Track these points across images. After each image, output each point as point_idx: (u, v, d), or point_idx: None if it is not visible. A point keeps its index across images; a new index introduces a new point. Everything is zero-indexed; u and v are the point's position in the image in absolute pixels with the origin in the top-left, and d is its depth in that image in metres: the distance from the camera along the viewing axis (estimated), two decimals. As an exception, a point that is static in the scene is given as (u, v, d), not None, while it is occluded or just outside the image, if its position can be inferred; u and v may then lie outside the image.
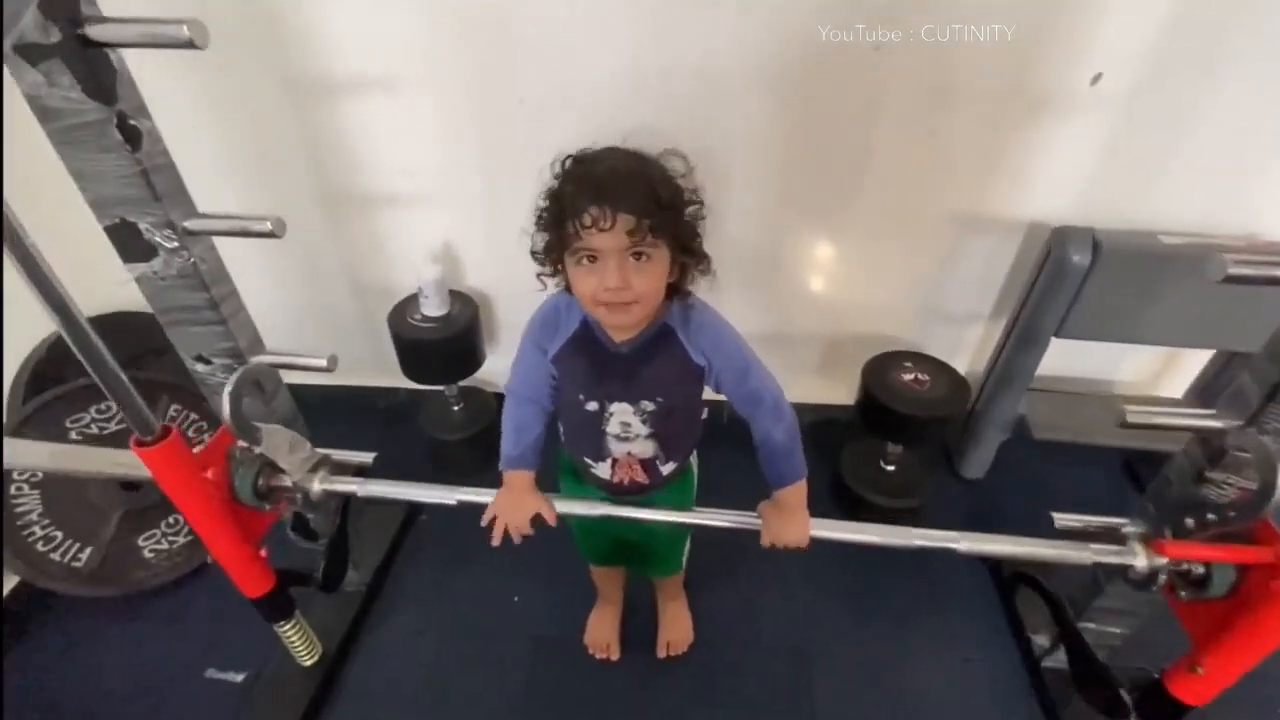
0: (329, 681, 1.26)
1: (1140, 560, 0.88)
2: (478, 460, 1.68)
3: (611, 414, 0.88)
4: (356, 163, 1.41)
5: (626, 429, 0.89)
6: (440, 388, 1.69)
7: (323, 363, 0.96)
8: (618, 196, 0.70)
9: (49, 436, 1.33)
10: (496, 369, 1.75)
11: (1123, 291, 1.27)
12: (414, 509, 1.56)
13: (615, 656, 1.31)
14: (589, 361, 0.85)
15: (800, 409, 1.79)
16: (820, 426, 1.71)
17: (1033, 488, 1.62)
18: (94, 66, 0.70)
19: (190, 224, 0.83)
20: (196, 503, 0.91)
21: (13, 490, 1.29)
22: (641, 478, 0.96)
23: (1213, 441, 0.87)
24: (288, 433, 0.96)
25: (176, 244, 0.83)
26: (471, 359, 1.53)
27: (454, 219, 1.50)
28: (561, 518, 1.08)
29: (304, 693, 1.23)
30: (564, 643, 1.33)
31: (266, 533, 1.08)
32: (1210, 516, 0.85)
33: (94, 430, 1.38)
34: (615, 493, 0.98)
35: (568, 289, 0.83)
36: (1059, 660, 1.23)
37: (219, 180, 1.42)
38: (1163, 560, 0.86)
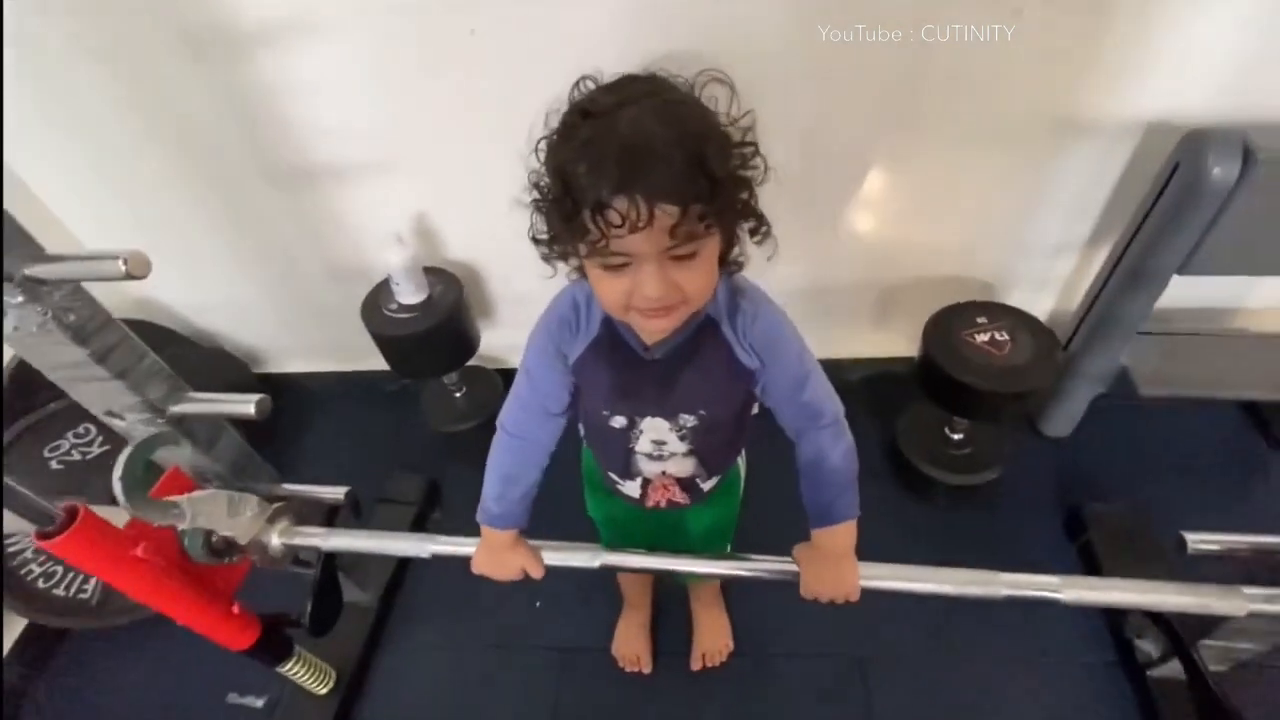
0: (347, 706, 1.20)
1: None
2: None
3: (641, 431, 0.72)
4: (296, 130, 1.18)
5: (660, 447, 0.73)
6: (439, 373, 1.54)
7: (250, 409, 0.79)
8: (654, 180, 0.49)
9: (29, 472, 1.25)
10: (498, 343, 1.58)
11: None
12: (424, 510, 1.44)
13: (647, 669, 1.19)
14: (613, 371, 0.67)
15: (848, 366, 1.55)
16: (873, 383, 1.46)
17: (1131, 446, 1.37)
18: None
19: (35, 271, 0.65)
20: (134, 585, 0.79)
21: (-1, 531, 1.23)
22: (681, 499, 0.81)
23: None
24: (223, 494, 0.81)
25: (21, 299, 0.65)
26: (464, 345, 1.35)
27: (421, 184, 1.27)
28: (587, 510, 0.96)
29: (324, 718, 1.17)
30: (591, 654, 1.22)
31: (243, 582, 0.98)
32: None
33: (75, 457, 1.29)
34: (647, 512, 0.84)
35: (577, 270, 0.64)
36: (1171, 670, 1.04)
37: (144, 167, 1.23)
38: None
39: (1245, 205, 0.94)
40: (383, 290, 1.30)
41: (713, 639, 1.19)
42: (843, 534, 0.72)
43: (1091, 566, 1.19)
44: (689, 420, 0.70)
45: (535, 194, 0.58)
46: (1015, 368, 1.08)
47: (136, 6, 1.03)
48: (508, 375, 1.59)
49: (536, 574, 0.80)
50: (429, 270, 1.30)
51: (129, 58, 1.10)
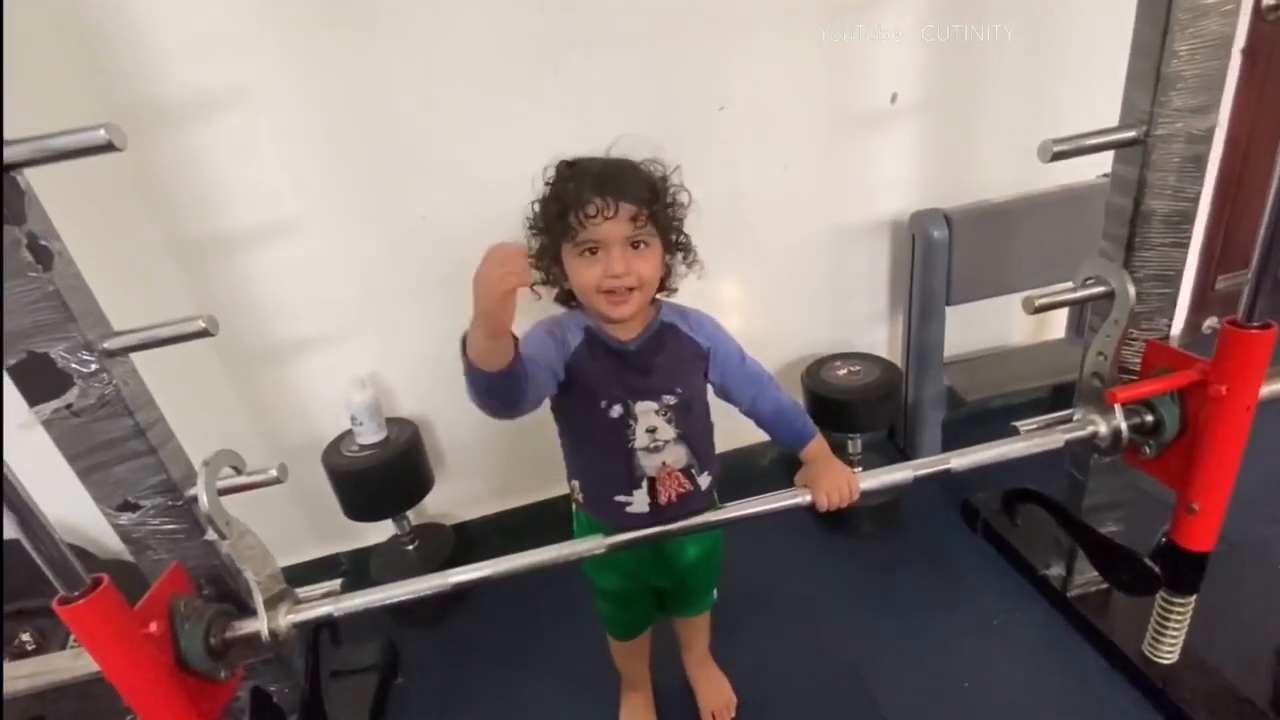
0: None
1: (1101, 425, 0.96)
2: (447, 601, 1.52)
3: (636, 418, 0.85)
4: (263, 314, 1.38)
5: (654, 436, 0.86)
6: (386, 534, 1.57)
7: (273, 473, 0.88)
8: (620, 187, 0.76)
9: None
10: (450, 497, 1.66)
11: (981, 251, 1.47)
12: (387, 673, 1.35)
13: (661, 749, 1.16)
14: (604, 362, 0.85)
15: (757, 451, 1.81)
16: (780, 462, 1.73)
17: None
18: (2, 190, 0.69)
19: (110, 344, 0.78)
20: (140, 668, 0.76)
21: None
22: (686, 486, 0.90)
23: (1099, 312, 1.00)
24: (259, 539, 0.85)
25: (95, 367, 0.77)
26: (419, 480, 1.45)
27: (377, 349, 1.47)
28: (588, 573, 1.02)
29: None
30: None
31: (223, 712, 0.91)
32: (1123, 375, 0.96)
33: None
34: (659, 523, 0.90)
35: (558, 299, 0.87)
36: (1079, 586, 1.24)
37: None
38: (1117, 416, 0.94)
39: (958, 250, 1.45)
40: (343, 440, 1.41)
41: (716, 696, 1.20)
42: (819, 444, 0.93)
43: (993, 538, 1.42)
44: (670, 399, 0.86)
45: (531, 228, 0.85)
46: (870, 382, 1.43)
47: (138, 217, 1.25)
48: (460, 529, 1.68)
49: (526, 280, 0.64)
50: (387, 420, 1.44)
51: (116, 259, 1.27)
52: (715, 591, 1.14)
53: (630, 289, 0.79)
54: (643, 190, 0.78)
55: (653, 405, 0.86)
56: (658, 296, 0.89)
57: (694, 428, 0.89)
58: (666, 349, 0.87)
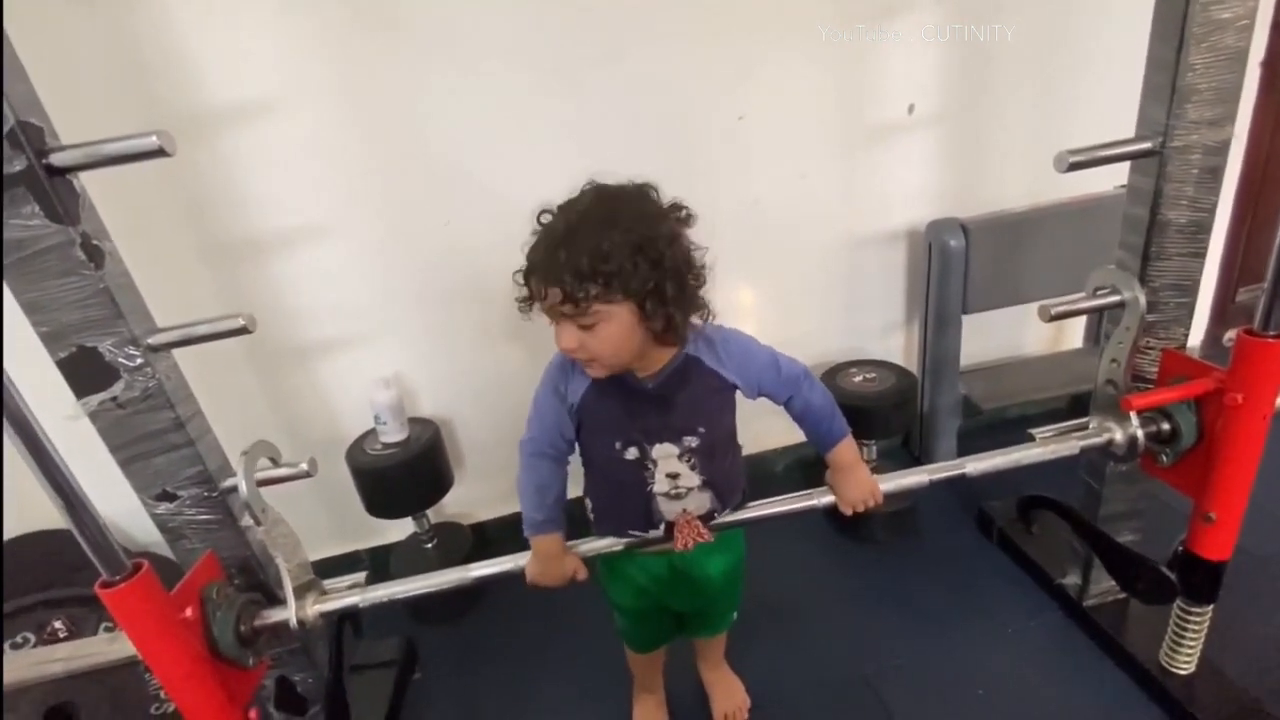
0: None
1: (1117, 433, 0.96)
2: (464, 600, 1.55)
3: (655, 462, 0.82)
4: (290, 316, 1.42)
5: (675, 483, 0.83)
6: (405, 532, 1.60)
7: (303, 467, 0.91)
8: (555, 267, 0.69)
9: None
10: (468, 497, 1.69)
11: (998, 260, 1.48)
12: (405, 668, 1.38)
13: (674, 750, 1.17)
14: (619, 401, 0.81)
15: (773, 456, 1.82)
16: (795, 468, 1.74)
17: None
18: (58, 192, 0.73)
19: (154, 339, 0.82)
20: (175, 652, 0.79)
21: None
22: (705, 536, 0.87)
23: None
24: (290, 528, 0.88)
25: (140, 361, 0.80)
26: (439, 480, 1.47)
27: (401, 350, 1.50)
28: (610, 597, 1.03)
29: None
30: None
31: (251, 699, 0.94)
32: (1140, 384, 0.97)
33: None
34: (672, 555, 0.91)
35: None
36: (1095, 595, 1.24)
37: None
38: (1134, 423, 0.94)
39: (975, 260, 1.46)
40: (366, 438, 1.44)
41: (729, 699, 1.21)
42: (846, 448, 0.90)
43: (1009, 547, 1.42)
44: (692, 441, 0.81)
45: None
46: (886, 389, 1.44)
47: (165, 221, 1.30)
48: (478, 529, 1.70)
49: (582, 576, 0.90)
50: (410, 420, 1.47)
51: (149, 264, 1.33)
52: (735, 613, 1.13)
53: (588, 359, 0.75)
54: (587, 263, 0.67)
55: (673, 449, 0.82)
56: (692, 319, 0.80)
57: (719, 468, 0.85)
58: (689, 385, 0.81)
